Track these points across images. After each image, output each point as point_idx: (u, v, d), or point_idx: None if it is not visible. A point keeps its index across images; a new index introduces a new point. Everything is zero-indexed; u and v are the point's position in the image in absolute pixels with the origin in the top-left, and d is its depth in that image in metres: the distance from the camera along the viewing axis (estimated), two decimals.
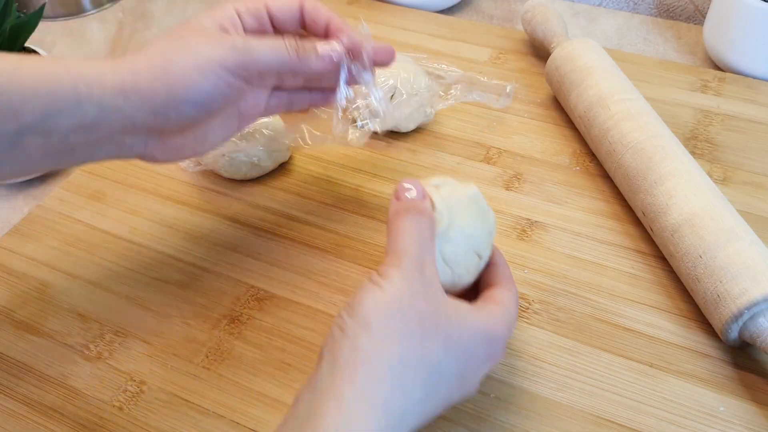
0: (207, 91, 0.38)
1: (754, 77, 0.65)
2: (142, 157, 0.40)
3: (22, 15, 0.54)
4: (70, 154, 0.38)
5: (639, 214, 0.50)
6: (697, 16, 0.77)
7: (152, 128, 0.38)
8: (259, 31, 0.42)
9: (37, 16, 0.54)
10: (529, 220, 0.52)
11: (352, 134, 0.54)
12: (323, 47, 0.41)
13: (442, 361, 0.32)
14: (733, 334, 0.42)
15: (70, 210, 0.54)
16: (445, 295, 0.34)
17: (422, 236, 0.34)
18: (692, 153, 0.55)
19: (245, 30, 0.42)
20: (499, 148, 0.58)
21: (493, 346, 0.35)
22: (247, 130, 0.52)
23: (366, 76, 0.44)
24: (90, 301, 0.47)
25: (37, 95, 0.35)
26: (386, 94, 0.56)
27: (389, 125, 0.57)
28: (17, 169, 0.38)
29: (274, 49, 0.40)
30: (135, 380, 0.42)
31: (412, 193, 0.35)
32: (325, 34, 0.43)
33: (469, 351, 0.33)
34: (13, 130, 0.35)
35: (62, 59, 0.37)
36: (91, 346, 0.44)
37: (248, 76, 0.39)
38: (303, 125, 0.53)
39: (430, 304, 0.32)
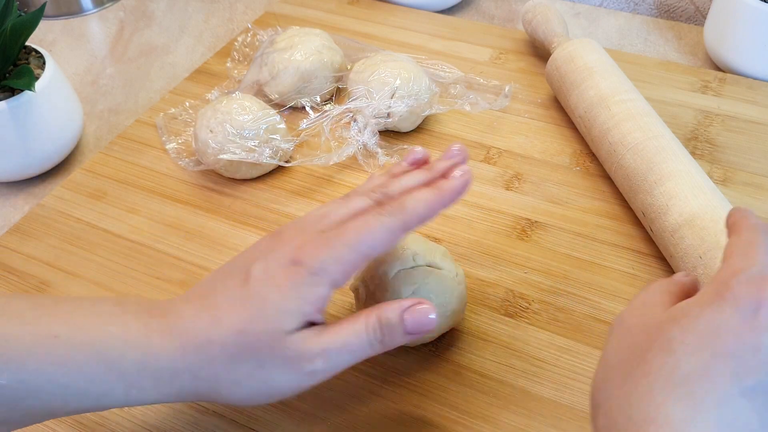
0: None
1: (755, 78, 0.65)
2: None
3: (23, 14, 0.54)
4: None
5: (639, 215, 0.50)
6: (698, 17, 0.77)
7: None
8: None
9: (38, 15, 0.54)
10: (529, 220, 0.52)
11: (339, 155, 0.55)
12: None
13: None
14: None
15: (71, 208, 0.54)
16: None
17: None
18: (692, 154, 0.55)
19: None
20: (499, 148, 0.58)
21: None
22: (248, 132, 0.52)
23: None
24: None
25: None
26: (387, 94, 0.56)
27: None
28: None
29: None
30: None
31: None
32: None
33: None
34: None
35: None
36: None
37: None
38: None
39: None
